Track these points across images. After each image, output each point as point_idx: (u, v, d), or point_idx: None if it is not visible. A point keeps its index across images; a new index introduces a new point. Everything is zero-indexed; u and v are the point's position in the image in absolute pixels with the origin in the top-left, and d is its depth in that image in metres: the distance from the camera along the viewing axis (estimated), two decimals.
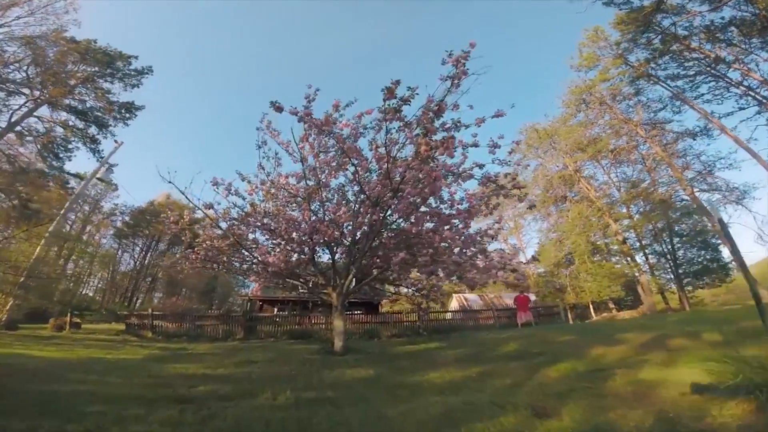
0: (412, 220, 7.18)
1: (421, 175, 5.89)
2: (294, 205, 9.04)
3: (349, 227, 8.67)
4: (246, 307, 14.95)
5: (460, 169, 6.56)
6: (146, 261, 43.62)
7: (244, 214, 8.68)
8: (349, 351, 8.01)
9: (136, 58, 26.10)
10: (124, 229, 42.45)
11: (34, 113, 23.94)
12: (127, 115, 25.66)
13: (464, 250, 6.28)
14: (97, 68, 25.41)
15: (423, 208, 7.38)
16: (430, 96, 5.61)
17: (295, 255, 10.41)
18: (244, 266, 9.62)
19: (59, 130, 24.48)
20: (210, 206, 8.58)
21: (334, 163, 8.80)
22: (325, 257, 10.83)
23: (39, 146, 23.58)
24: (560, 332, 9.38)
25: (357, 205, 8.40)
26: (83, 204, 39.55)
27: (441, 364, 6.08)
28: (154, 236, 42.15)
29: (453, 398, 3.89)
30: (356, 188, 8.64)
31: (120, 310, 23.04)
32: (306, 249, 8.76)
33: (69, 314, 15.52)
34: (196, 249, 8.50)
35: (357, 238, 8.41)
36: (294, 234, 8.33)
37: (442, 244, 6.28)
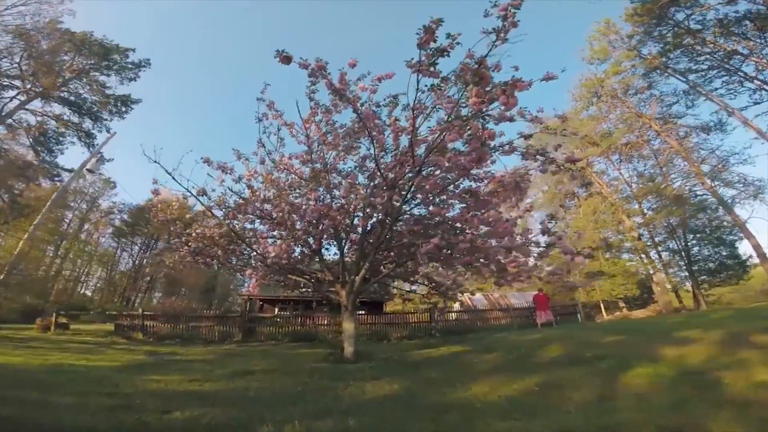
0: (437, 201, 6.03)
1: (464, 139, 4.72)
2: (297, 191, 7.86)
3: (360, 216, 7.49)
4: (245, 307, 13.71)
5: (498, 142, 5.38)
6: (145, 260, 42.26)
7: (241, 200, 7.48)
8: (361, 357, 6.82)
9: (134, 50, 25.08)
10: (123, 227, 41.09)
11: (27, 106, 22.83)
12: (123, 108, 24.60)
13: (504, 238, 5.09)
14: (93, 61, 24.36)
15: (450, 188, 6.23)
16: (470, 50, 4.44)
17: (298, 249, 9.26)
18: (240, 263, 8.39)
19: (53, 124, 23.40)
20: (203, 192, 7.39)
21: (344, 143, 7.67)
22: (332, 251, 9.67)
23: (31, 140, 22.45)
24: (596, 332, 8.20)
25: (369, 190, 7.23)
26: (81, 202, 38.30)
27: (480, 374, 4.89)
28: (152, 235, 40.79)
29: (533, 424, 2.72)
30: (368, 173, 7.50)
31: (112, 309, 21.75)
32: (311, 240, 7.56)
33: (54, 314, 14.25)
34: (184, 239, 7.29)
35: (369, 227, 7.24)
36: (298, 223, 7.13)
37: (479, 229, 5.13)
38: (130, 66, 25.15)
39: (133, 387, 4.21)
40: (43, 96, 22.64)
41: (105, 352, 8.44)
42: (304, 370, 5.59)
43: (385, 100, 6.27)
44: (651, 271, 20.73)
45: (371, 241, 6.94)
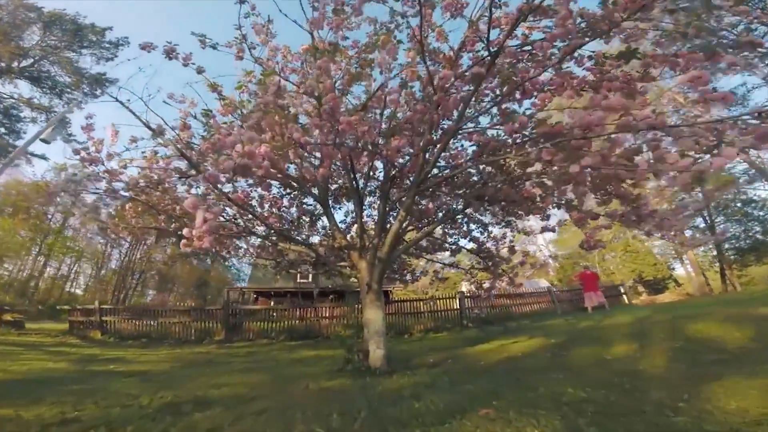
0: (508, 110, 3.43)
1: None
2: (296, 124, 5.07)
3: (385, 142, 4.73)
4: (228, 298, 10.87)
5: None
6: (135, 256, 38.90)
7: (218, 135, 4.67)
8: (395, 364, 4.12)
9: (111, 29, 22.21)
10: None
11: None
12: (98, 89, 21.65)
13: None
14: (65, 38, 21.46)
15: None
16: None
17: (294, 207, 6.53)
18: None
19: (19, 105, 20.56)
20: (161, 131, 4.57)
21: (355, 62, 4.93)
22: (339, 217, 6.94)
23: None
24: (705, 308, 5.45)
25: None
26: (63, 196, 34.79)
27: (684, 382, 2.25)
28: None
29: None
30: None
31: (64, 304, 18.83)
32: (315, 184, 4.81)
33: (0, 311, 11.29)
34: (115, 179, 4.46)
35: (408, 157, 4.54)
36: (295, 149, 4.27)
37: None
38: (106, 45, 22.25)
39: None
40: (6, 72, 19.65)
41: (17, 358, 5.61)
42: (312, 396, 2.85)
43: None
44: (682, 251, 18.44)
45: (410, 179, 4.26)
